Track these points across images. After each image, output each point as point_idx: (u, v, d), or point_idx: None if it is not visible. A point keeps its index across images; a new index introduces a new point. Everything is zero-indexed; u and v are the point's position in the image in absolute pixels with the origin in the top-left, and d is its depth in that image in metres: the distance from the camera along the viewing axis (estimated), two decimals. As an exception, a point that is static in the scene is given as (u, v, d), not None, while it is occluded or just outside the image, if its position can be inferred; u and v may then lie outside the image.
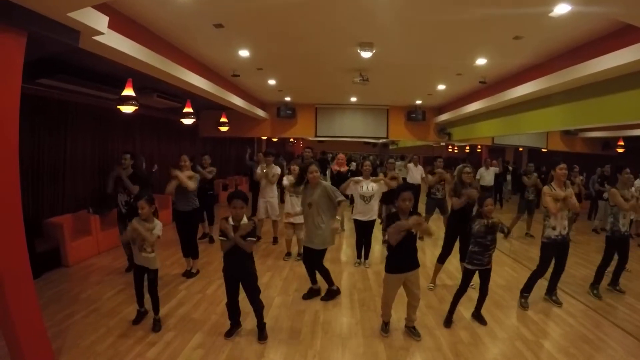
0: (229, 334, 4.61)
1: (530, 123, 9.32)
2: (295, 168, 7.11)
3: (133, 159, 6.89)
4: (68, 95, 7.87)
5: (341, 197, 5.51)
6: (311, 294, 5.80)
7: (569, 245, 5.65)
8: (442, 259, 6.15)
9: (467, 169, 6.00)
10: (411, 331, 4.78)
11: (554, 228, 5.47)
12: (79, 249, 7.15)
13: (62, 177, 7.86)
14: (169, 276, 6.44)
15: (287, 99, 13.92)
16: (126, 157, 6.81)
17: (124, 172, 6.62)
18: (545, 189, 5.56)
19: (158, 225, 4.68)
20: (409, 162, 11.97)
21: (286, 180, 7.07)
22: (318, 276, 5.80)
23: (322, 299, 5.69)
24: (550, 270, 5.74)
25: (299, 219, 6.95)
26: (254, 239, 4.48)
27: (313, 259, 5.61)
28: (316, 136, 15.61)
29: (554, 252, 5.58)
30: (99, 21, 4.33)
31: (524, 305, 5.64)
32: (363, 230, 7.17)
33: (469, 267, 5.00)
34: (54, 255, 6.74)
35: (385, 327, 4.81)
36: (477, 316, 5.18)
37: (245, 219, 4.38)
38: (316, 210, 5.40)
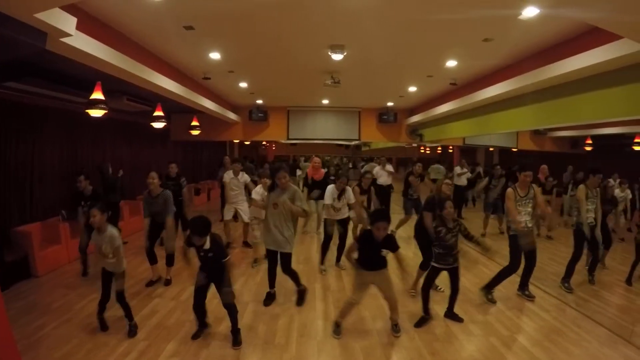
0: (196, 336, 4.60)
1: (501, 123, 9.49)
2: (266, 181, 7.07)
3: (88, 178, 6.87)
4: (36, 99, 7.69)
5: (305, 207, 5.45)
6: (270, 299, 5.71)
7: (535, 239, 5.84)
8: (424, 265, 5.94)
9: (448, 181, 6.02)
10: (393, 328, 4.83)
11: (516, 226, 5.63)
12: (49, 258, 6.94)
13: (29, 184, 7.66)
14: (142, 283, 6.32)
15: (259, 101, 13.87)
16: (80, 180, 6.74)
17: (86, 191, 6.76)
18: (509, 192, 5.76)
19: (113, 236, 4.58)
20: (377, 164, 12.09)
21: (257, 195, 6.94)
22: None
23: (298, 305, 5.62)
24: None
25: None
26: (227, 259, 4.45)
27: (283, 263, 5.54)
28: (288, 139, 15.60)
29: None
30: (66, 22, 4.24)
31: (492, 300, 5.75)
32: (333, 227, 7.10)
33: (436, 265, 5.07)
34: (22, 265, 6.51)
35: (337, 328, 4.78)
36: (451, 315, 5.22)
37: (208, 243, 4.32)
38: (281, 212, 5.34)
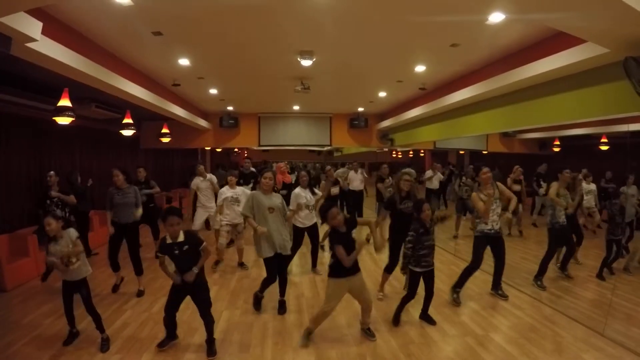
0: (162, 344, 4.50)
1: (470, 126, 9.63)
2: (232, 179, 7.08)
3: (59, 176, 6.88)
4: (1, 106, 7.47)
5: (288, 210, 5.56)
6: (259, 302, 5.63)
7: (503, 240, 5.87)
8: (389, 269, 6.03)
9: (406, 177, 5.94)
10: (366, 332, 4.81)
11: (485, 223, 5.71)
12: (17, 272, 6.70)
13: (-5, 194, 7.42)
14: (113, 296, 6.17)
15: (230, 108, 13.82)
16: (51, 175, 6.65)
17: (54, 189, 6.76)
18: (474, 195, 5.82)
19: (74, 231, 4.54)
20: (350, 169, 12.11)
21: (228, 192, 7.15)
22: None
23: (280, 313, 5.52)
24: (491, 265, 5.99)
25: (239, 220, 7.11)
26: (203, 246, 4.41)
27: (284, 266, 5.54)
28: (260, 145, 15.54)
29: (486, 246, 5.80)
30: (32, 27, 4.16)
31: (456, 301, 5.79)
32: (303, 237, 7.06)
33: (418, 269, 5.00)
34: (-11, 279, 6.28)
35: (308, 335, 4.70)
36: (426, 317, 5.22)
37: (182, 235, 4.29)
38: (278, 216, 5.40)
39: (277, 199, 5.48)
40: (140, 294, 6.22)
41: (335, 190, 8.30)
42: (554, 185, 6.46)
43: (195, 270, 4.27)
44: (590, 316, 5.29)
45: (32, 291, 6.47)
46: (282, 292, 5.68)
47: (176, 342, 4.61)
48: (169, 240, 4.28)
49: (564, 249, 6.90)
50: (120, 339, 4.78)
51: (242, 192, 7.33)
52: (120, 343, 4.68)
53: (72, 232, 4.53)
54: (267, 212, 5.34)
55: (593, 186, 9.73)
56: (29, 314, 5.56)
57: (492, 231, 5.72)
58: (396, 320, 5.11)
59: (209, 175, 8.32)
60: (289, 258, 5.60)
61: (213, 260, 7.48)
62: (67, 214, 6.54)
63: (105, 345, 4.54)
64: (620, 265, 7.02)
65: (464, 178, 10.50)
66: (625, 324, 5.04)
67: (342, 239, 4.40)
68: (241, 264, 7.61)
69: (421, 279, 5.10)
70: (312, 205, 6.90)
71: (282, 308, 5.61)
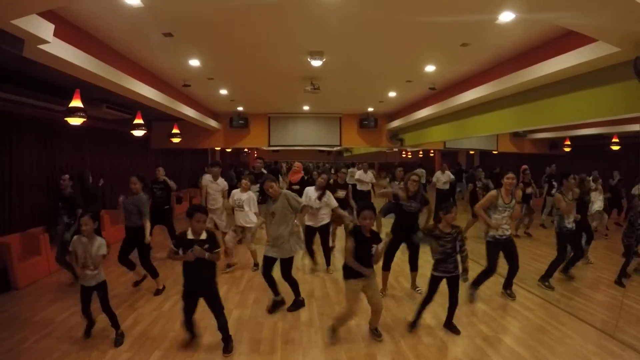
0: (187, 344, 4.53)
1: (480, 126, 9.59)
2: (247, 183, 7.08)
3: (72, 180, 6.94)
4: (13, 106, 7.53)
5: (302, 204, 5.46)
6: (276, 306, 5.60)
7: (515, 243, 5.80)
8: (385, 266, 6.04)
9: (414, 177, 5.91)
10: (374, 332, 4.80)
11: (496, 229, 5.65)
12: (29, 270, 6.76)
13: (7, 194, 7.50)
14: (124, 294, 6.21)
15: (240, 108, 13.85)
16: (64, 178, 6.84)
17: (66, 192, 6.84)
18: (491, 195, 5.76)
19: (102, 245, 4.56)
20: (358, 169, 12.12)
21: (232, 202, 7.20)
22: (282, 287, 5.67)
23: (288, 309, 5.56)
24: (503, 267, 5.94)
25: (248, 223, 7.18)
26: (218, 250, 4.45)
27: (283, 270, 5.46)
28: (270, 146, 15.57)
29: (499, 251, 5.74)
30: (44, 29, 4.21)
31: (472, 297, 5.80)
32: (313, 236, 7.14)
33: (435, 273, 4.89)
34: (1, 277, 6.35)
35: (333, 333, 4.74)
36: (449, 326, 5.01)
37: (204, 234, 4.34)
38: (280, 219, 5.31)
39: (279, 203, 5.33)
40: (157, 292, 6.24)
41: (341, 194, 8.28)
42: (560, 198, 6.41)
43: (210, 256, 4.30)
44: (601, 318, 5.27)
45: (43, 289, 6.53)
46: (295, 293, 5.65)
47: (194, 339, 4.65)
48: (190, 236, 4.30)
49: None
50: (130, 336, 4.81)
51: (248, 197, 7.22)
52: (131, 341, 4.71)
53: (103, 247, 4.56)
54: (269, 218, 5.39)
55: (600, 190, 9.67)
56: (41, 311, 5.61)
57: (504, 236, 5.68)
58: (412, 325, 5.00)
59: (221, 182, 8.29)
60: (289, 261, 5.48)
61: (224, 263, 7.46)
62: (73, 221, 6.61)
63: (120, 340, 4.62)
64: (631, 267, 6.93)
65: (479, 183, 10.43)
66: (636, 326, 4.99)
67: (362, 240, 4.41)
68: (256, 265, 7.50)
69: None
70: (317, 208, 6.89)
71: (292, 305, 5.63)
